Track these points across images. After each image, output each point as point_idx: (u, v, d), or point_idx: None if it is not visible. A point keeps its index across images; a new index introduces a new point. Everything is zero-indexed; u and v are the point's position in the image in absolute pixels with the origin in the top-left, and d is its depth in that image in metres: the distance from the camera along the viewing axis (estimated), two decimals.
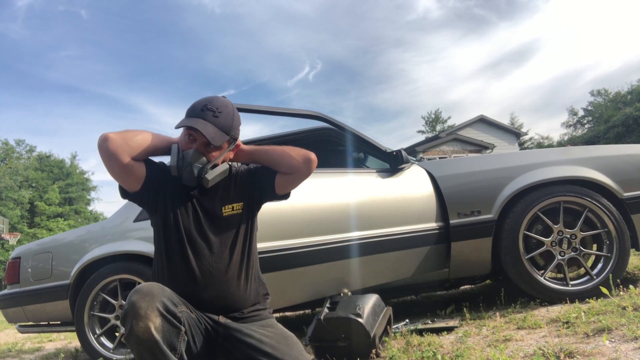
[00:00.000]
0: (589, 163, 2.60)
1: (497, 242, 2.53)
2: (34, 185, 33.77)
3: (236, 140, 1.52)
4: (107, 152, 1.38)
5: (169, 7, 63.71)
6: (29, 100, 56.90)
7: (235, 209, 1.53)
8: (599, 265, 2.52)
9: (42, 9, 54.09)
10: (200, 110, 1.43)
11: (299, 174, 1.52)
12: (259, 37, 70.12)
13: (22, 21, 52.18)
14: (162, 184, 1.50)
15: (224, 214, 1.52)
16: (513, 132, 23.29)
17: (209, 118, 1.42)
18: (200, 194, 1.53)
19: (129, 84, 65.50)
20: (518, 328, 2.10)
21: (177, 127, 1.44)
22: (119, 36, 60.62)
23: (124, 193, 1.50)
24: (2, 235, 23.19)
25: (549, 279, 2.50)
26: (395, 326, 2.44)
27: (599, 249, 2.57)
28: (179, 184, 1.48)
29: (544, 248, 2.52)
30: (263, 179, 1.55)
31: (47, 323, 3.05)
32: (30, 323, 3.07)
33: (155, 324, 1.19)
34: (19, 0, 51.45)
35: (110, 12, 58.06)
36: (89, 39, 57.99)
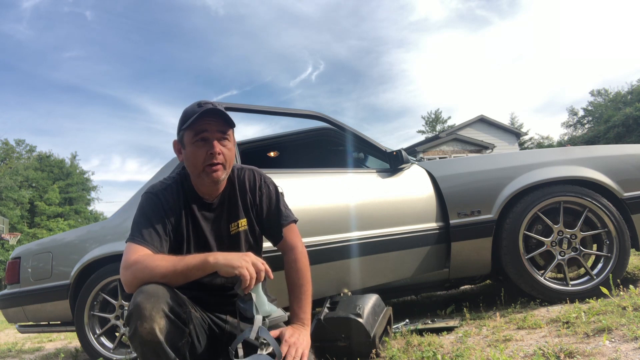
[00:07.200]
0: (589, 163, 2.60)
1: (497, 242, 2.53)
2: (34, 185, 33.77)
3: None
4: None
5: (173, 8, 63.84)
6: (31, 100, 57.16)
7: (240, 225, 1.53)
8: (599, 265, 2.51)
9: (47, 10, 54.39)
10: (198, 106, 1.41)
11: None
12: (262, 38, 70.30)
13: (27, 22, 52.41)
14: (168, 225, 1.44)
15: (232, 232, 1.52)
16: (513, 132, 23.29)
17: (210, 106, 1.39)
18: (206, 212, 1.49)
19: (132, 84, 65.73)
20: (518, 328, 2.09)
21: (187, 126, 1.37)
22: (122, 37, 60.79)
23: None
24: (2, 235, 23.21)
25: (549, 279, 2.50)
26: (395, 326, 2.44)
27: (599, 249, 2.57)
28: (177, 212, 1.45)
29: (544, 248, 2.52)
30: (268, 229, 1.58)
31: (47, 323, 3.05)
32: (30, 323, 3.07)
33: (159, 326, 1.18)
34: (24, 1, 51.59)
35: (115, 13, 58.29)
36: (93, 39, 58.25)
